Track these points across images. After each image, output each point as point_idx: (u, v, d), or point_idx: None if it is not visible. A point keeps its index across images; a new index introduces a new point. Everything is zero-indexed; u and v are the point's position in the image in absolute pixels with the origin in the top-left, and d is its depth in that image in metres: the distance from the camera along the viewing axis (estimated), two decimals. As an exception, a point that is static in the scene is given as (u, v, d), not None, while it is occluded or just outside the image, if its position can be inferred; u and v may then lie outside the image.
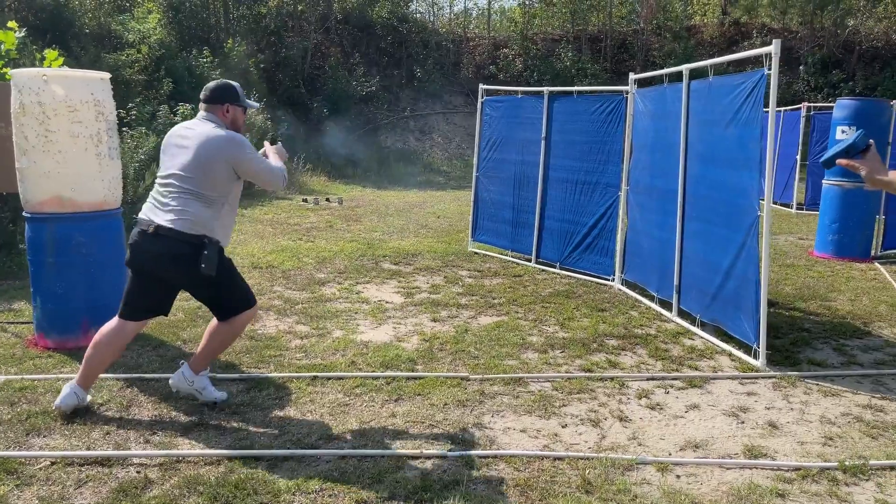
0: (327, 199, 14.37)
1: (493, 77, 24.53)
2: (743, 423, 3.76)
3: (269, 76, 22.31)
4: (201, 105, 3.71)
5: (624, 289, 6.72)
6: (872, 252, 8.51)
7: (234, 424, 3.60)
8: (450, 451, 3.34)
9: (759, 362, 4.57)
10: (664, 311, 5.88)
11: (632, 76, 6.74)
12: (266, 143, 4.04)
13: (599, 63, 25.33)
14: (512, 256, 8.26)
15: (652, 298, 6.21)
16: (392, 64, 25.62)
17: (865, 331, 5.43)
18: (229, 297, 3.68)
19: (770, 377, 4.43)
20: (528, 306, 6.13)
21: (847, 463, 3.23)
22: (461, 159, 22.26)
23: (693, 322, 5.46)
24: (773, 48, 4.34)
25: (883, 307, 6.10)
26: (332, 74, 23.17)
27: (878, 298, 6.41)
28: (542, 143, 7.75)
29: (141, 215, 3.58)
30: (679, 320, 5.63)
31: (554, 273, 7.50)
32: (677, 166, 5.62)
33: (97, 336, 3.66)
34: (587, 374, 4.43)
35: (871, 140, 2.45)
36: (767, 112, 4.61)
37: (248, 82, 19.02)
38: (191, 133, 3.58)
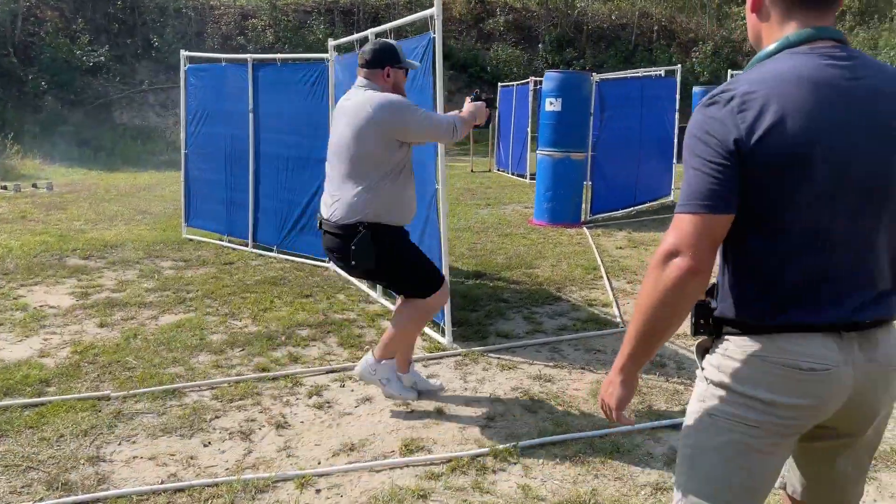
0: (34, 186, 12.39)
1: (243, 48, 23.05)
2: (411, 412, 3.51)
3: (-38, 42, 18.87)
4: (359, 71, 3.27)
5: (339, 270, 6.34)
6: (582, 217, 9.05)
7: None
8: (35, 501, 2.65)
9: (445, 340, 4.40)
10: (371, 293, 5.59)
11: (331, 42, 6.31)
12: (467, 100, 3.53)
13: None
14: (229, 242, 7.53)
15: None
16: (125, 32, 23.03)
17: (556, 296, 5.57)
18: (405, 281, 3.33)
19: (455, 355, 4.27)
20: (225, 298, 5.50)
21: (499, 447, 3.08)
22: (209, 137, 20.65)
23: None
24: (436, 10, 4.11)
25: (578, 271, 6.36)
26: (51, 42, 20.21)
27: (576, 263, 6.70)
28: (251, 115, 7.09)
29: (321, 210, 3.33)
30: (384, 301, 5.36)
31: (271, 258, 6.93)
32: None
33: None
34: (257, 376, 3.94)
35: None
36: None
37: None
38: (348, 105, 3.21)
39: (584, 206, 9.14)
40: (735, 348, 1.45)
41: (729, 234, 1.40)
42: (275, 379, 3.90)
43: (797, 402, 1.41)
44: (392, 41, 3.40)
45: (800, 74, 1.37)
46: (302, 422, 3.40)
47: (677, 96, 10.68)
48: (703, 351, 1.55)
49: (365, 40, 5.31)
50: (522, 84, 14.43)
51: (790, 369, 1.40)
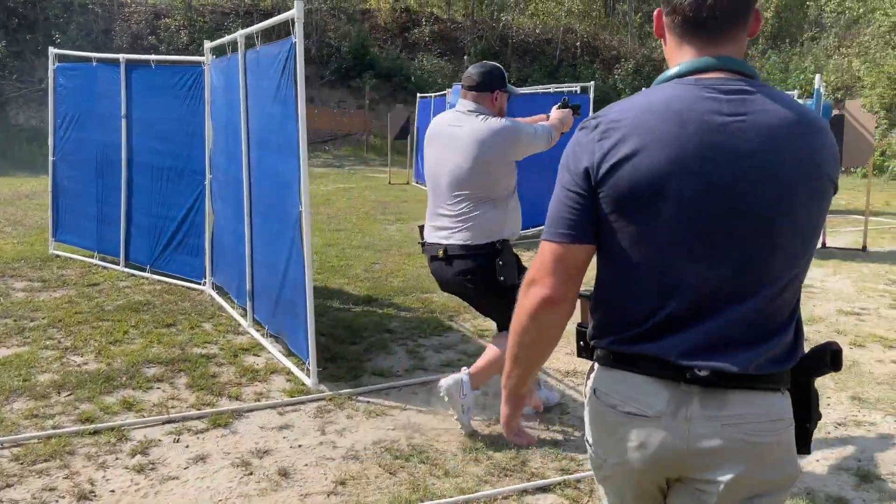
0: None
1: (154, 48, 21.92)
2: (251, 474, 3.00)
3: None
4: (466, 93, 3.22)
5: (214, 294, 5.74)
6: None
7: None
8: None
9: (309, 381, 3.90)
10: (242, 321, 5.03)
11: (207, 44, 5.74)
12: (554, 108, 3.53)
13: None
14: (100, 259, 6.80)
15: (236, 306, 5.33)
16: (25, 27, 21.55)
17: (447, 326, 5.15)
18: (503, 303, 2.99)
19: (318, 399, 3.78)
20: (73, 328, 4.84)
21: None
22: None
23: (266, 334, 4.68)
24: (296, 12, 3.64)
25: (476, 296, 5.96)
26: (-64, 35, 18.67)
27: (476, 286, 6.31)
28: (123, 121, 6.42)
29: (427, 237, 3.29)
30: (254, 332, 4.81)
31: (143, 278, 6.26)
32: (241, 150, 4.76)
33: None
34: (75, 429, 3.33)
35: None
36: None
37: None
38: (460, 132, 3.14)
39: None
40: (594, 376, 1.43)
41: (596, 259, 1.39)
42: (96, 433, 3.31)
43: (611, 447, 1.37)
44: (497, 64, 3.35)
45: (669, 106, 1.28)
46: (112, 491, 2.84)
47: (591, 113, 10.51)
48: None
49: (239, 42, 4.79)
50: (440, 96, 14.08)
51: (610, 409, 1.36)
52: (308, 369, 3.91)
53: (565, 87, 10.95)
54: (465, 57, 26.34)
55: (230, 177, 5.20)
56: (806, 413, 1.35)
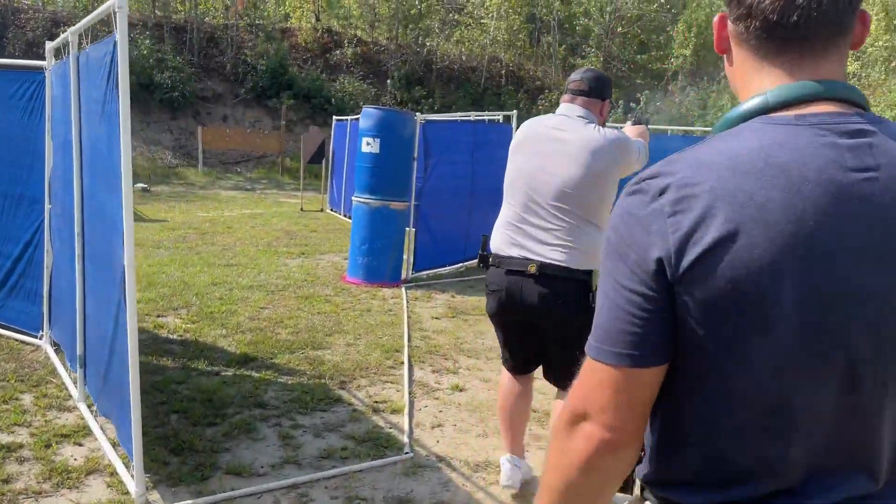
0: None
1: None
2: None
3: None
4: (575, 98, 2.88)
5: (51, 352, 4.65)
6: (404, 275, 7.86)
7: None
8: None
9: (133, 489, 2.92)
10: (74, 392, 3.98)
11: (48, 45, 4.70)
12: (627, 125, 3.24)
13: (184, 56, 22.78)
14: (-80, 302, 5.54)
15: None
16: None
17: (337, 396, 4.24)
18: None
19: (142, 518, 2.80)
20: None
21: None
22: None
23: (97, 413, 3.65)
24: (117, 0, 2.72)
25: (376, 354, 5.08)
26: None
27: (378, 341, 5.43)
28: (-49, 136, 5.25)
29: (505, 250, 2.83)
30: (84, 409, 3.78)
31: (-33, 328, 5.08)
32: (73, 176, 3.76)
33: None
34: None
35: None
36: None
37: None
38: (569, 137, 2.77)
39: (407, 259, 7.96)
40: None
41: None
42: None
43: None
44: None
45: (769, 159, 0.87)
46: None
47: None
48: None
49: (70, 41, 3.80)
50: (356, 119, 13.23)
51: None
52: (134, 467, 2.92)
53: (486, 115, 10.31)
54: (389, 81, 25.69)
55: (66, 209, 4.17)
56: None
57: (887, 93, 19.80)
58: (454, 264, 8.76)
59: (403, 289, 7.40)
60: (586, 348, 1.01)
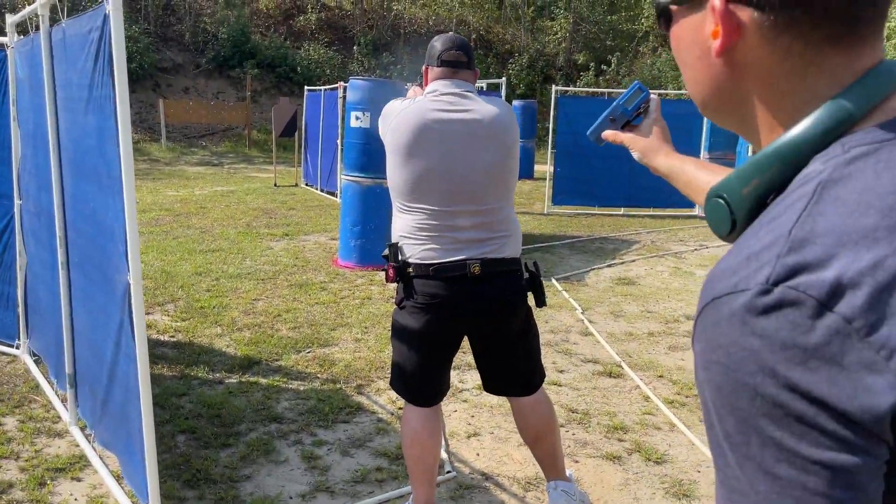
0: None
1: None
2: None
3: None
4: (457, 73, 2.53)
5: (30, 364, 4.19)
6: (398, 256, 7.47)
7: None
8: None
9: (152, 540, 2.54)
10: (63, 413, 3.55)
11: (9, 18, 4.13)
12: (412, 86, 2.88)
13: (139, 24, 21.65)
14: None
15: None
16: None
17: (356, 403, 3.87)
18: (538, 346, 2.70)
19: (165, 574, 2.43)
20: None
21: None
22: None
23: (94, 439, 3.23)
24: (109, -42, 2.24)
25: (390, 349, 4.72)
26: None
27: (387, 333, 5.05)
28: None
29: (436, 258, 2.44)
30: (77, 433, 3.36)
31: (-69, 337, 4.56)
32: (52, 174, 3.28)
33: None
34: None
35: (652, 96, 1.38)
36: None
37: None
38: (474, 116, 2.48)
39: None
40: None
41: None
42: None
43: None
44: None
45: None
46: None
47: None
48: None
49: (40, 14, 3.28)
50: (331, 89, 12.64)
51: None
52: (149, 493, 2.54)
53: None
54: (355, 47, 24.88)
55: (42, 208, 3.68)
56: None
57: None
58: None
59: (400, 272, 7.02)
60: None
